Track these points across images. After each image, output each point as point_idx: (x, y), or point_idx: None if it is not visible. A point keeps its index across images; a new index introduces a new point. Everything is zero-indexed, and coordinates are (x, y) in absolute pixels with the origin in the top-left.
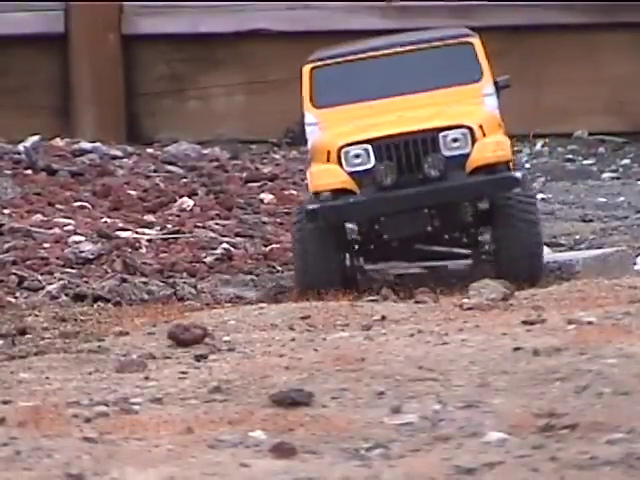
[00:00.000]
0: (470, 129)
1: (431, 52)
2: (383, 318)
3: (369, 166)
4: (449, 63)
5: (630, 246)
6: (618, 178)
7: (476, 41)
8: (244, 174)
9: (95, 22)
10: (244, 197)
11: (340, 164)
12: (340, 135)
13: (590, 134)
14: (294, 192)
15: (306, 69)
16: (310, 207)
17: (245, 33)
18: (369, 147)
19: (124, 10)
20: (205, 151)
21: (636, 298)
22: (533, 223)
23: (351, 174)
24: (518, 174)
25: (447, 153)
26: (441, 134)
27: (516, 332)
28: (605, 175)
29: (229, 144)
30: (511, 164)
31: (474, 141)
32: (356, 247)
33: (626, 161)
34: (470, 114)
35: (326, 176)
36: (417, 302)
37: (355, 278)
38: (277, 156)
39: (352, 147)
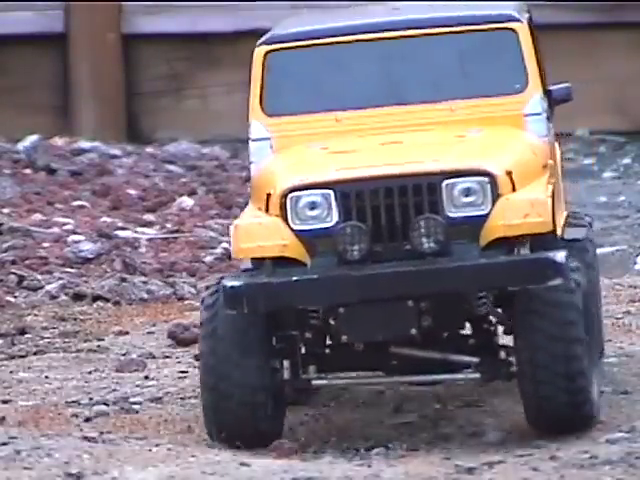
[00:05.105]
0: (491, 177)
1: (448, 40)
2: None
3: (329, 224)
4: (475, 60)
5: (630, 246)
6: (619, 177)
7: (520, 27)
8: (244, 173)
9: (95, 22)
10: (244, 196)
11: (284, 217)
12: (289, 168)
13: (591, 133)
14: None
15: (258, 53)
16: (230, 283)
17: (245, 32)
18: (330, 194)
19: (124, 10)
20: (205, 150)
21: (636, 298)
22: (573, 339)
23: (300, 234)
24: (560, 254)
25: (452, 213)
26: (445, 182)
27: None
28: (606, 174)
29: (229, 143)
30: (559, 229)
31: (496, 197)
32: (302, 350)
33: (627, 160)
34: (496, 150)
35: (260, 234)
36: None
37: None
38: None
39: (305, 192)
